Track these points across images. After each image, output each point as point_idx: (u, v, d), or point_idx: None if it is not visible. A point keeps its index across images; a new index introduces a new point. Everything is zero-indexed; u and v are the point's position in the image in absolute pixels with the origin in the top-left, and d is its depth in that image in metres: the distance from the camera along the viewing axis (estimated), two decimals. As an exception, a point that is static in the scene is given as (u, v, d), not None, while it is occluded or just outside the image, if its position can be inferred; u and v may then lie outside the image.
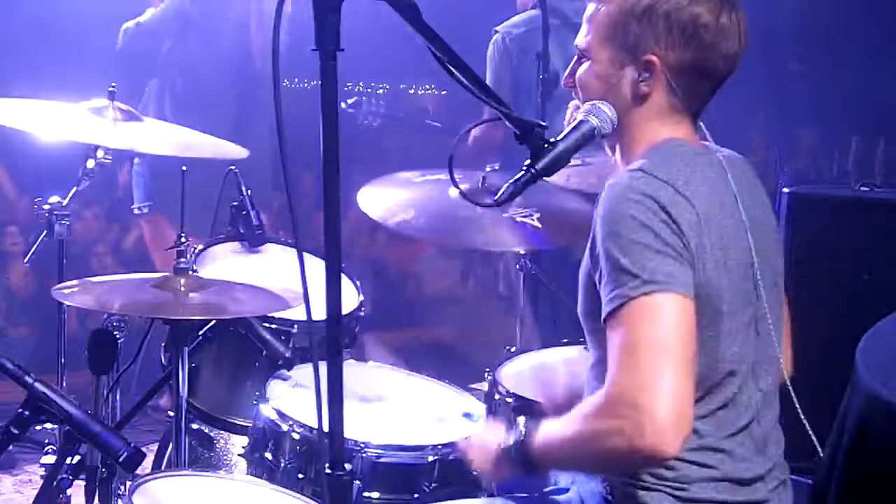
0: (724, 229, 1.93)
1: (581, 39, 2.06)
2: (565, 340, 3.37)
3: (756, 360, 1.99)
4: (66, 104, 3.19)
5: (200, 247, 3.24)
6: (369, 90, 5.78)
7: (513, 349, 3.23)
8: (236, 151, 3.32)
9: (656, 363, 1.75)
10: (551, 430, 1.92)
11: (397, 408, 2.84)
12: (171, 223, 4.68)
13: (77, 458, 2.22)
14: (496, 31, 4.93)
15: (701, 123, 2.08)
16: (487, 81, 5.11)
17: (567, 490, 2.15)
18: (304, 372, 2.83)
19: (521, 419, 2.01)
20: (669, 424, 1.73)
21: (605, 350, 1.88)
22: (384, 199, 3.17)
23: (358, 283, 3.24)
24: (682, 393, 1.75)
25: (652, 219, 1.84)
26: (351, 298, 3.16)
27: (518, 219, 3.01)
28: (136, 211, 4.88)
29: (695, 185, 1.91)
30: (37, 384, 1.96)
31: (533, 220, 3.00)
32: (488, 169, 3.13)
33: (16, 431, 1.97)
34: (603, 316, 1.85)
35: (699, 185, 1.92)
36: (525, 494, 2.22)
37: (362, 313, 3.18)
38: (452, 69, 1.84)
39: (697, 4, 1.94)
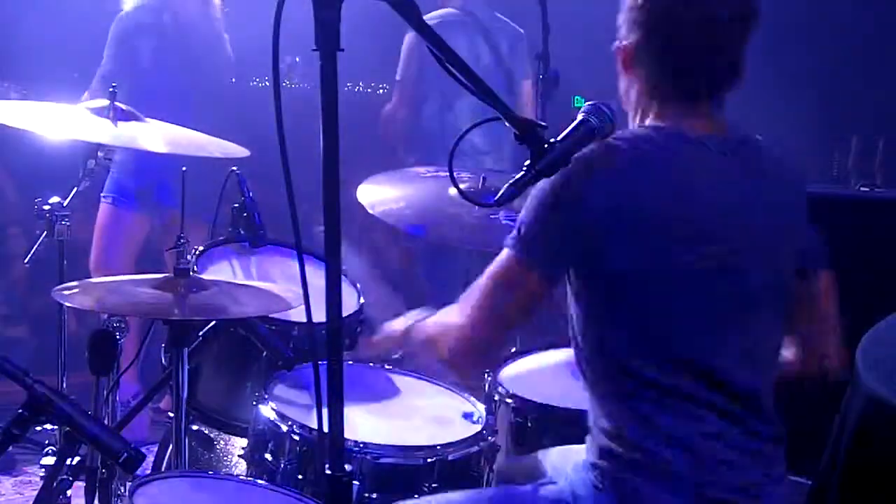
0: (677, 217, 1.94)
1: None
2: (565, 340, 3.36)
3: (743, 349, 2.00)
4: (67, 105, 3.19)
5: (201, 248, 3.24)
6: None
7: (513, 349, 3.23)
8: (238, 151, 3.32)
9: (481, 302, 2.02)
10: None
11: (397, 408, 2.84)
12: (130, 216, 4.68)
13: (77, 459, 2.22)
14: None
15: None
16: (399, 76, 5.34)
17: (558, 482, 2.16)
18: (304, 373, 2.83)
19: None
20: (461, 343, 2.06)
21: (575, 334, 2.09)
22: (383, 191, 3.17)
23: (358, 285, 3.24)
24: (483, 333, 2.04)
25: (570, 192, 1.93)
26: (351, 301, 3.16)
27: (504, 221, 3.00)
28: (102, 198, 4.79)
29: (640, 169, 1.95)
30: (37, 385, 1.95)
31: None
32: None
33: (16, 432, 1.96)
34: None
35: (648, 169, 1.95)
36: (518, 486, 2.22)
37: (363, 317, 3.18)
38: (451, 68, 1.84)
39: None
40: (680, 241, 1.95)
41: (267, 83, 5.22)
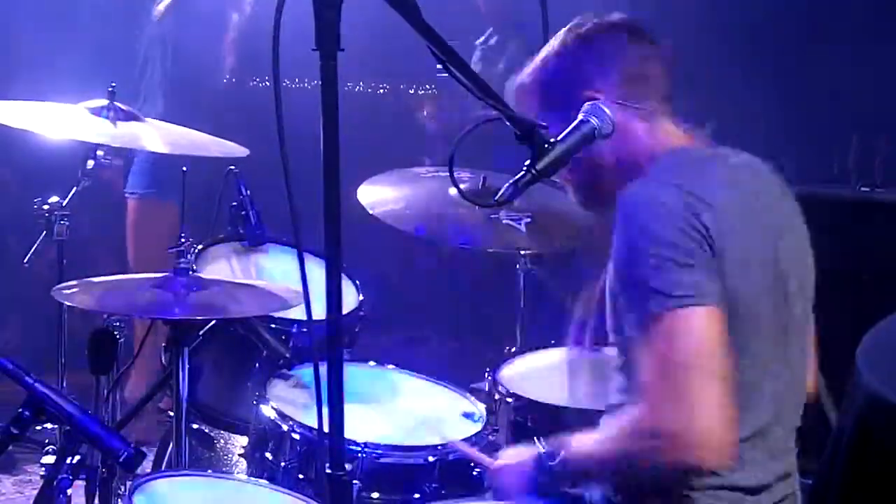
0: (743, 232, 1.90)
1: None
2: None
3: (780, 364, 1.97)
4: (66, 104, 3.19)
5: (200, 247, 3.24)
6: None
7: (513, 349, 3.23)
8: (237, 150, 3.32)
9: (689, 379, 1.76)
10: (585, 449, 1.92)
11: (397, 408, 2.84)
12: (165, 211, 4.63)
13: (77, 458, 2.22)
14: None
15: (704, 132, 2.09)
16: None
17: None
18: (304, 372, 2.83)
19: (539, 443, 2.00)
20: (709, 437, 1.75)
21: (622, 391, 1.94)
22: (383, 192, 3.17)
23: (358, 282, 3.24)
24: (720, 405, 1.76)
25: (669, 228, 1.83)
26: (351, 298, 3.16)
27: (505, 221, 3.00)
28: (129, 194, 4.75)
29: (709, 187, 1.89)
30: (37, 384, 1.95)
31: (520, 225, 3.00)
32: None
33: (16, 431, 1.96)
34: (630, 336, 1.84)
35: (714, 187, 1.90)
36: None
37: (362, 313, 3.18)
38: (452, 68, 1.84)
39: (569, 31, 2.08)
40: (750, 251, 1.91)
41: (267, 83, 5.22)
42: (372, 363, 3.07)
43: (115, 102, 3.17)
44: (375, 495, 2.49)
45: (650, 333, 1.80)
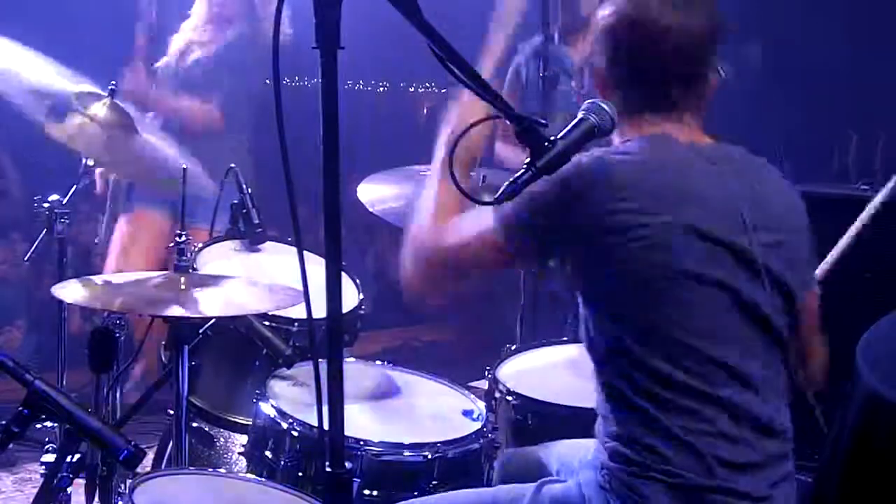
0: (689, 216, 1.94)
1: None
2: (565, 339, 3.37)
3: (749, 343, 1.99)
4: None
5: (200, 244, 3.25)
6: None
7: (513, 347, 3.24)
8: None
9: (456, 253, 2.09)
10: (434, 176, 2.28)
11: (397, 406, 2.84)
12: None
13: (77, 456, 2.22)
14: None
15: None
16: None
17: (565, 480, 2.16)
18: (304, 370, 2.83)
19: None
20: (418, 282, 2.15)
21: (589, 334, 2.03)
22: (383, 190, 3.17)
23: (358, 280, 3.24)
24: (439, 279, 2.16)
25: (566, 192, 1.95)
26: (351, 296, 3.16)
27: None
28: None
29: (652, 173, 1.96)
30: (37, 382, 1.95)
31: None
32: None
33: (16, 430, 1.96)
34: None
35: (659, 172, 1.97)
36: (521, 484, 2.21)
37: (363, 311, 3.18)
38: (452, 66, 1.84)
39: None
40: (688, 238, 1.94)
41: (267, 82, 5.22)
42: (371, 361, 3.07)
43: (115, 101, 3.17)
44: (375, 493, 2.49)
45: (491, 217, 2.02)
